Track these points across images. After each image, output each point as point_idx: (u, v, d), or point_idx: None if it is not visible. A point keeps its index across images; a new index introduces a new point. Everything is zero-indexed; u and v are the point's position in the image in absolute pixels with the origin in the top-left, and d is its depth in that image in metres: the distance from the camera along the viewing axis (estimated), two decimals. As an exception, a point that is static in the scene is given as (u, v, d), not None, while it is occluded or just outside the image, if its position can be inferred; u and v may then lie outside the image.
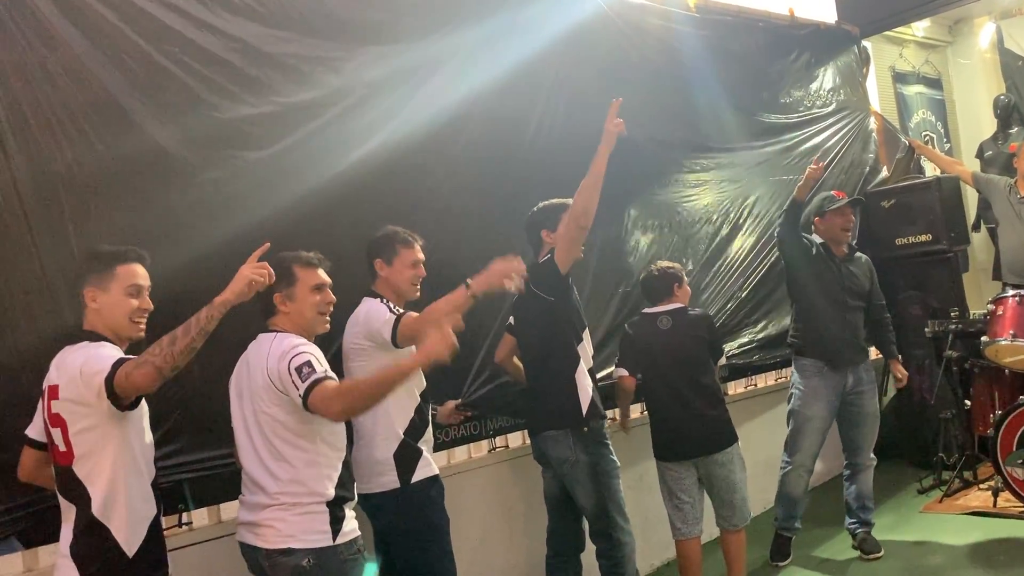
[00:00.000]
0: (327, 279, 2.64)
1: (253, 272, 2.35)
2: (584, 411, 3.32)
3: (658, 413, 3.79)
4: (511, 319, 3.61)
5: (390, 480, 2.89)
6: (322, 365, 2.39)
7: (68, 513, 2.26)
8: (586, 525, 3.48)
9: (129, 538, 2.25)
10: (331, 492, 2.45)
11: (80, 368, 2.19)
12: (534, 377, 3.47)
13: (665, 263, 3.92)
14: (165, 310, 2.45)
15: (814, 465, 4.41)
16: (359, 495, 2.89)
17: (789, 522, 4.40)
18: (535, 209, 3.48)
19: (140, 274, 2.36)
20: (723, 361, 3.81)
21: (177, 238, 2.85)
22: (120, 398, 2.17)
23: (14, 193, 2.57)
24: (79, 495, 2.23)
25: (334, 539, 2.44)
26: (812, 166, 4.21)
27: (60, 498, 2.29)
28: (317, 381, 2.33)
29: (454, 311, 2.71)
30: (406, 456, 2.92)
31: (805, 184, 4.18)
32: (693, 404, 3.67)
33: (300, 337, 2.50)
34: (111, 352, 2.24)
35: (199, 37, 2.97)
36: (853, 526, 4.47)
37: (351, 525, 2.51)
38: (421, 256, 3.08)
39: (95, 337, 2.29)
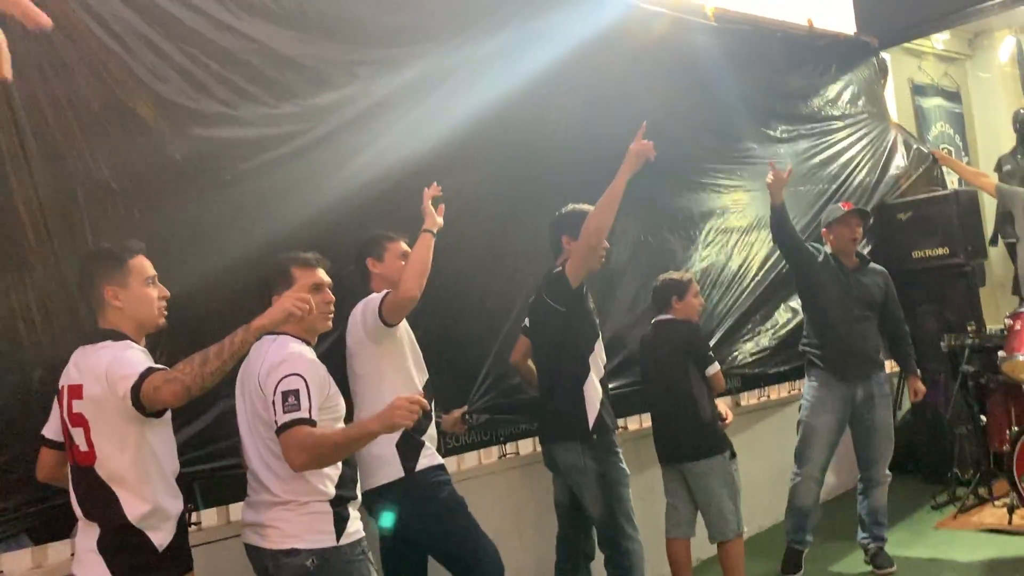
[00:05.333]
0: (326, 279, 2.62)
1: (294, 305, 2.30)
2: (591, 424, 3.31)
3: (652, 417, 3.99)
4: (527, 320, 3.60)
5: (393, 471, 2.88)
6: (311, 398, 2.33)
7: (91, 512, 2.25)
8: (596, 532, 3.46)
9: (161, 536, 2.26)
10: (331, 491, 2.44)
11: (106, 369, 2.18)
12: (545, 385, 3.46)
13: (672, 275, 3.94)
14: (187, 312, 2.45)
15: (823, 476, 4.37)
16: (362, 495, 2.88)
17: (799, 534, 4.35)
18: (560, 212, 3.47)
19: (148, 264, 2.37)
20: (714, 369, 3.79)
21: (196, 238, 2.85)
22: (143, 406, 2.17)
23: (32, 192, 2.57)
24: (104, 495, 2.22)
25: (338, 539, 2.42)
26: (769, 175, 4.15)
27: (80, 498, 2.26)
28: (295, 422, 2.27)
29: (426, 256, 2.85)
30: (408, 447, 2.91)
31: (773, 191, 4.15)
32: (668, 413, 3.82)
33: (299, 344, 2.49)
34: (139, 357, 2.23)
35: (218, 37, 2.98)
36: (865, 541, 4.42)
37: (356, 526, 2.50)
38: (408, 249, 3.08)
39: (118, 336, 2.28)
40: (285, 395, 2.30)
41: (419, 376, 3.03)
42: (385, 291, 2.90)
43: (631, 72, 4.46)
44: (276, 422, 2.31)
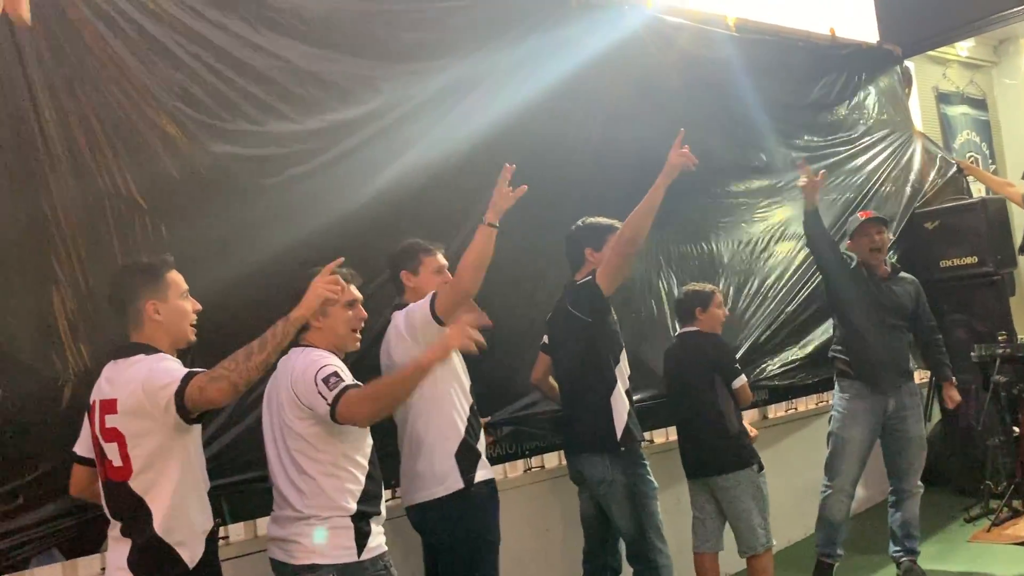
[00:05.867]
0: (359, 295, 2.64)
1: (326, 287, 2.39)
2: (619, 436, 3.28)
3: (678, 431, 3.94)
4: (545, 338, 3.57)
5: (453, 482, 2.85)
6: (348, 376, 2.41)
7: (124, 528, 2.24)
8: (622, 547, 3.43)
9: (192, 553, 2.25)
10: (353, 506, 2.45)
11: (143, 382, 2.18)
12: (569, 399, 3.44)
13: (694, 286, 3.91)
14: (214, 327, 2.48)
15: (855, 490, 4.31)
16: (415, 506, 2.87)
17: (830, 548, 4.28)
18: (579, 225, 3.46)
19: (181, 278, 2.39)
20: (740, 382, 3.75)
21: (223, 252, 2.87)
22: (188, 411, 2.17)
23: (61, 207, 2.61)
24: (137, 510, 2.21)
25: (359, 555, 2.43)
26: (802, 178, 4.16)
27: (113, 514, 2.26)
28: (344, 390, 2.34)
29: (485, 249, 2.79)
30: (467, 456, 2.89)
31: (806, 194, 4.16)
32: (694, 426, 3.78)
33: (327, 352, 2.51)
34: (175, 365, 2.24)
35: (244, 55, 3.02)
36: (898, 554, 4.35)
37: (377, 541, 2.50)
38: (444, 262, 3.06)
39: (151, 349, 2.28)
40: (326, 380, 2.37)
41: (466, 380, 3.01)
42: (433, 291, 2.84)
43: (652, 85, 4.45)
44: (328, 405, 2.34)
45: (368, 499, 2.50)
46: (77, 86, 2.67)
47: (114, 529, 2.27)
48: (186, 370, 2.21)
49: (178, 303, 2.34)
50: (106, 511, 2.29)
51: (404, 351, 2.84)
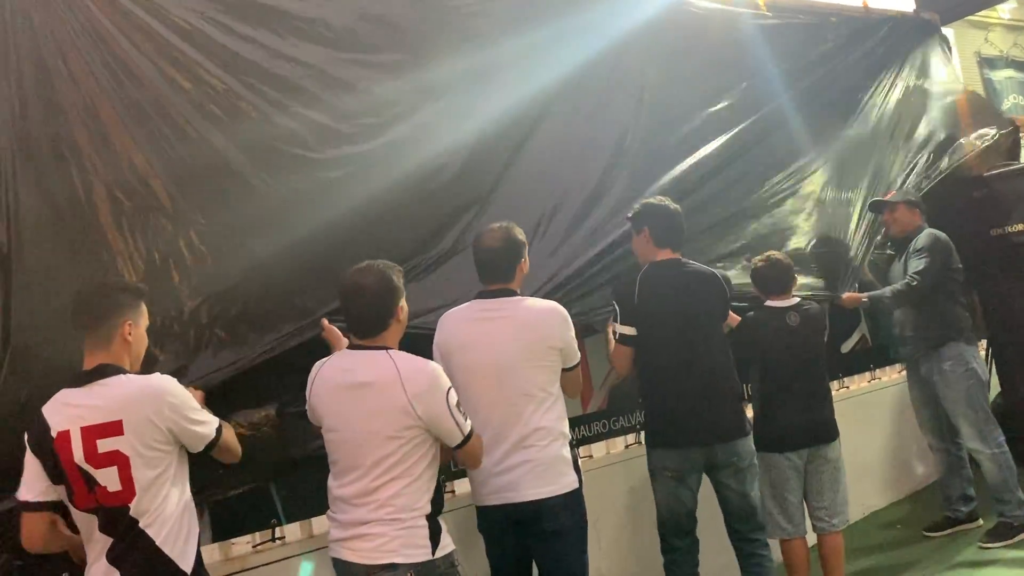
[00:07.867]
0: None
1: None
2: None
3: (776, 406, 3.63)
4: (632, 330, 3.37)
5: (572, 480, 2.90)
6: None
7: (116, 548, 2.20)
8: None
9: (190, 559, 2.26)
10: (429, 507, 2.47)
11: (169, 408, 2.22)
12: (708, 390, 3.34)
13: (779, 254, 3.81)
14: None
15: (944, 443, 4.64)
16: (532, 500, 2.84)
17: (945, 503, 4.69)
18: (678, 205, 3.53)
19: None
20: None
21: (266, 259, 2.90)
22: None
23: (89, 203, 2.66)
24: (134, 532, 2.18)
25: (433, 553, 2.45)
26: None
27: (106, 533, 2.19)
28: (473, 433, 2.56)
29: None
30: (574, 454, 2.98)
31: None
32: (814, 398, 3.66)
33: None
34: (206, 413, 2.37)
35: (274, 65, 3.05)
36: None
37: (448, 539, 2.53)
38: None
39: (125, 371, 2.27)
40: (458, 405, 2.51)
41: None
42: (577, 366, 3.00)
43: (683, 69, 4.39)
44: (462, 431, 2.51)
45: (438, 498, 2.55)
46: (122, 109, 2.71)
47: (98, 545, 2.21)
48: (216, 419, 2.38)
49: (143, 332, 2.37)
50: (92, 537, 2.21)
51: (546, 350, 2.92)
